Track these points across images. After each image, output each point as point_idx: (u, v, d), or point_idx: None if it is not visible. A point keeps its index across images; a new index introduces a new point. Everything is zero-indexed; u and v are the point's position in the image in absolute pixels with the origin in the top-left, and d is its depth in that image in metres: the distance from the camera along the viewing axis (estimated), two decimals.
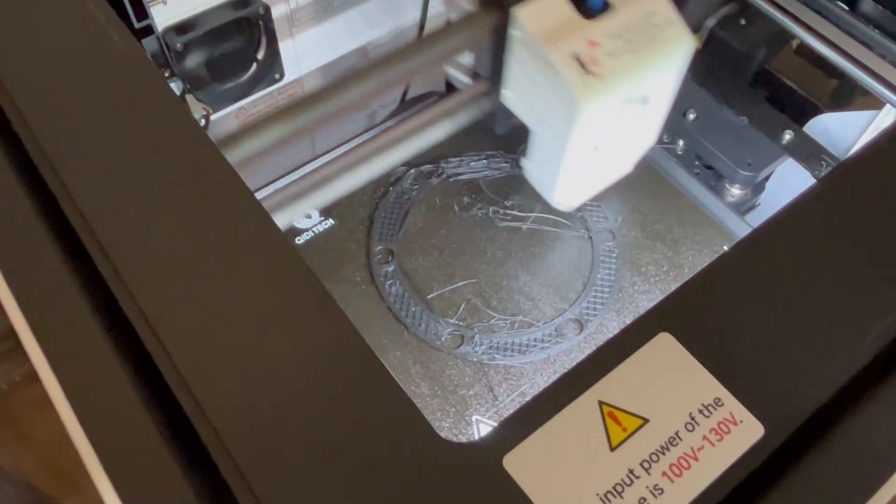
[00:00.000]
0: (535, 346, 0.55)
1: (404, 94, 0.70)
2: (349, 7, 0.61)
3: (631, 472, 0.22)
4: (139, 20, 0.46)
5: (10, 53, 0.30)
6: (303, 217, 0.58)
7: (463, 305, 0.56)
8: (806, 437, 0.24)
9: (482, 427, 0.52)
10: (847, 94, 0.67)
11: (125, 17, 0.46)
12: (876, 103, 0.61)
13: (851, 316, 0.25)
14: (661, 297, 0.27)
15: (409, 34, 0.67)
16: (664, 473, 0.22)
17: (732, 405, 0.23)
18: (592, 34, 0.44)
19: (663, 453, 0.23)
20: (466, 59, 0.50)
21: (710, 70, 0.63)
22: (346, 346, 0.24)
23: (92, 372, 0.24)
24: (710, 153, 0.63)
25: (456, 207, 0.62)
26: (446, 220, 0.61)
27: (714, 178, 0.64)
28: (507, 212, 0.61)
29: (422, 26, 0.66)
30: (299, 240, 0.60)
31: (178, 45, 0.50)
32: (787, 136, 0.60)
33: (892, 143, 0.30)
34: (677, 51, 0.46)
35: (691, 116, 0.63)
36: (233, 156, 0.39)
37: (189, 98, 0.53)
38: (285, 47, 0.59)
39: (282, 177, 0.64)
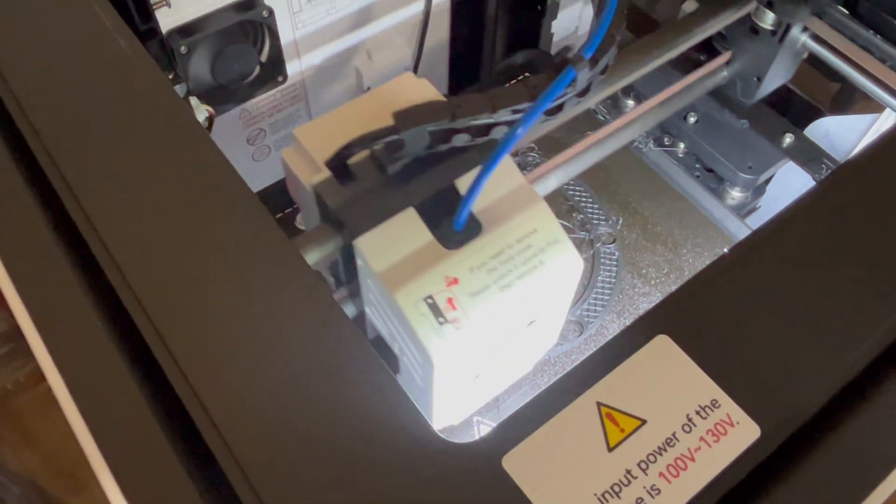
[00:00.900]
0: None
1: None
2: (352, 9, 0.61)
3: (628, 472, 0.23)
4: (144, 23, 0.46)
5: (16, 57, 0.30)
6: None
7: None
8: (802, 439, 0.24)
9: (483, 428, 0.52)
10: (848, 98, 0.67)
11: (130, 20, 0.46)
12: (876, 107, 0.61)
13: (848, 319, 0.25)
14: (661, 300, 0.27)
15: (412, 35, 0.67)
16: (661, 474, 0.23)
17: (729, 407, 0.24)
18: (452, 269, 0.33)
19: (661, 454, 0.23)
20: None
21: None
22: (347, 347, 0.24)
23: (96, 372, 0.25)
24: (710, 156, 0.63)
25: None
26: None
27: (715, 180, 0.64)
28: None
29: (424, 27, 0.66)
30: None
31: (183, 47, 0.50)
32: (788, 139, 0.60)
33: (891, 146, 0.31)
34: (562, 277, 0.36)
35: (692, 119, 0.64)
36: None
37: (193, 100, 0.54)
38: (288, 49, 0.59)
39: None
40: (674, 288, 0.58)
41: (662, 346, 0.25)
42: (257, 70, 0.57)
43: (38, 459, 0.75)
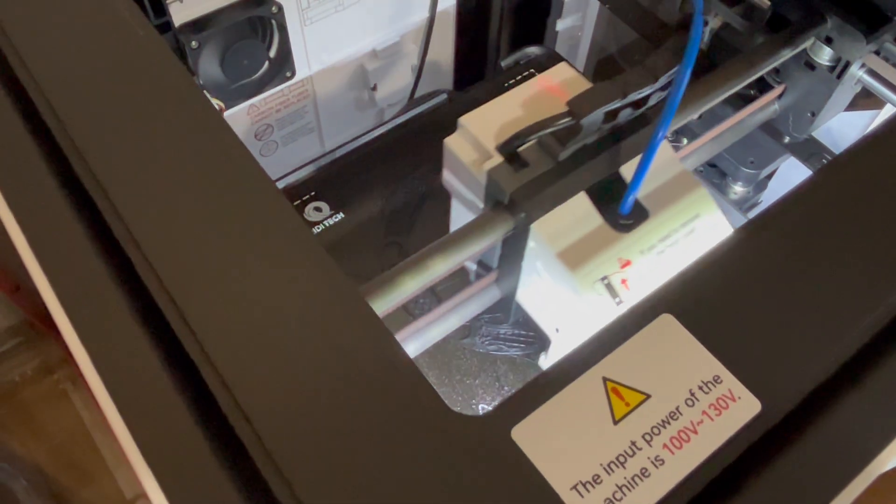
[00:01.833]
0: (540, 337, 0.55)
1: (412, 92, 0.71)
2: (359, 6, 0.62)
3: (633, 444, 0.23)
4: (157, 17, 0.47)
5: (38, 48, 0.31)
6: (313, 210, 0.59)
7: None
8: (802, 413, 0.25)
9: None
10: None
11: (143, 14, 0.47)
12: (877, 103, 0.62)
13: (848, 298, 0.26)
14: None
15: (418, 32, 0.68)
16: (665, 446, 0.23)
17: (731, 382, 0.24)
18: (624, 251, 0.35)
19: (664, 427, 0.24)
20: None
21: (714, 68, 0.64)
22: (363, 326, 0.25)
23: (127, 360, 0.25)
24: None
25: None
26: None
27: (717, 175, 0.65)
28: None
29: (430, 25, 0.67)
30: None
31: (193, 42, 0.51)
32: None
33: (886, 137, 0.31)
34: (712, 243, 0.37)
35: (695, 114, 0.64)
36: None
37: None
38: (296, 46, 0.60)
39: (292, 172, 0.65)
40: None
41: (666, 325, 0.25)
42: (266, 66, 0.58)
43: (45, 451, 0.76)
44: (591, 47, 0.76)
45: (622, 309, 0.33)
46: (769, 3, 0.47)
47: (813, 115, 0.51)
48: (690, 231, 0.36)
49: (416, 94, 0.72)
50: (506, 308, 0.42)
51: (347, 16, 0.62)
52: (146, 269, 0.26)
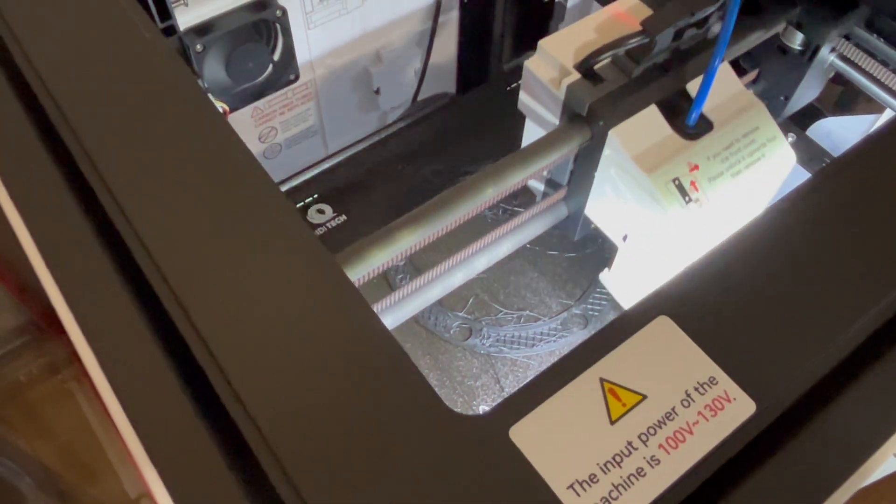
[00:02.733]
0: (540, 339, 0.56)
1: (415, 95, 0.72)
2: (363, 10, 0.62)
3: (629, 444, 0.24)
4: (162, 21, 0.48)
5: (46, 50, 0.32)
6: (316, 212, 0.59)
7: (471, 300, 0.58)
8: (796, 414, 0.25)
9: None
10: (849, 100, 0.68)
11: (149, 18, 0.48)
12: (877, 108, 0.62)
13: (842, 300, 0.27)
14: None
15: (421, 35, 0.68)
16: (661, 446, 0.24)
17: (726, 383, 0.25)
18: (693, 157, 0.40)
19: (660, 427, 0.24)
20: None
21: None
22: (363, 326, 0.25)
23: (132, 360, 0.26)
24: None
25: None
26: None
27: None
28: (516, 209, 0.63)
29: (433, 28, 0.67)
30: None
31: (198, 45, 0.52)
32: (790, 139, 0.61)
33: (885, 140, 0.32)
34: (779, 168, 0.43)
35: None
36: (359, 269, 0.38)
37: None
38: (300, 49, 0.60)
39: (295, 175, 0.65)
40: None
41: (663, 327, 0.26)
42: (270, 69, 0.59)
43: (51, 450, 0.76)
44: None
45: (691, 209, 0.39)
46: None
47: (786, 99, 0.52)
48: (751, 142, 0.42)
49: (419, 98, 0.72)
50: (573, 224, 0.48)
51: (351, 19, 0.62)
52: (152, 270, 0.26)
